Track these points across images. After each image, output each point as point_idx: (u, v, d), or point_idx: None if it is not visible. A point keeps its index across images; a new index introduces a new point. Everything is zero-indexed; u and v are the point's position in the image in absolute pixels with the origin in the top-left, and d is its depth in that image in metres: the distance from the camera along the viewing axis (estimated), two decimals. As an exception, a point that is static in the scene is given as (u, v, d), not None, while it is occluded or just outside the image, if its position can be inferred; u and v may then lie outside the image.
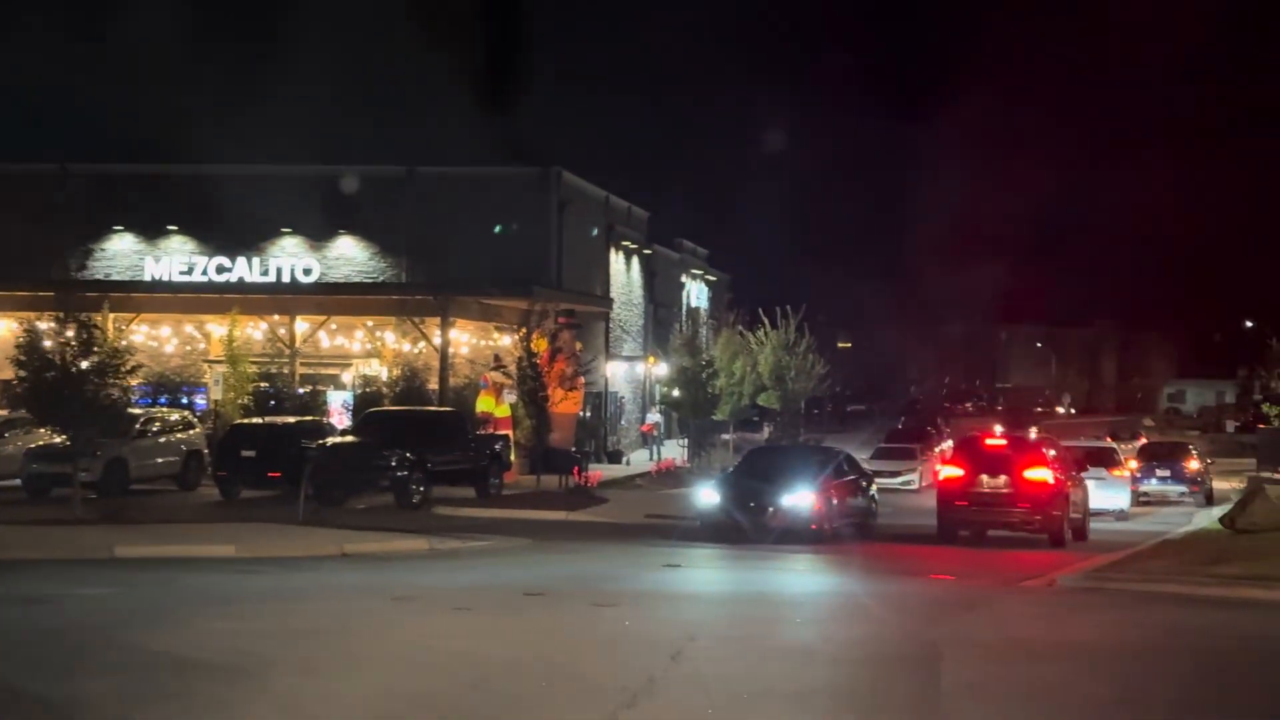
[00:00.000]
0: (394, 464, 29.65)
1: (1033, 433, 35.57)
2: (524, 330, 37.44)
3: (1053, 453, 26.86)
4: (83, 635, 12.91)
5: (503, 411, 37.05)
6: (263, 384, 37.64)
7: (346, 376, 42.14)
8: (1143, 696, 10.99)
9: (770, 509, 25.18)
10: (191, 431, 33.99)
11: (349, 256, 45.68)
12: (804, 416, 60.16)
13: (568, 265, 45.60)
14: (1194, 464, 39.38)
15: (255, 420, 33.71)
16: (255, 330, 39.98)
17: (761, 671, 11.74)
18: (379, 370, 40.71)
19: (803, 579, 19.86)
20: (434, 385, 38.24)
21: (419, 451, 30.17)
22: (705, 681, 11.16)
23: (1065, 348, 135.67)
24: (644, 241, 56.56)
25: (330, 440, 31.22)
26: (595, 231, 49.89)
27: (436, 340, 38.19)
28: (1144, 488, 38.18)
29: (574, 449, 38.71)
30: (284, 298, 40.77)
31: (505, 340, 39.99)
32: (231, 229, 44.34)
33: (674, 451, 50.19)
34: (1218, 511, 31.95)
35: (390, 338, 41.35)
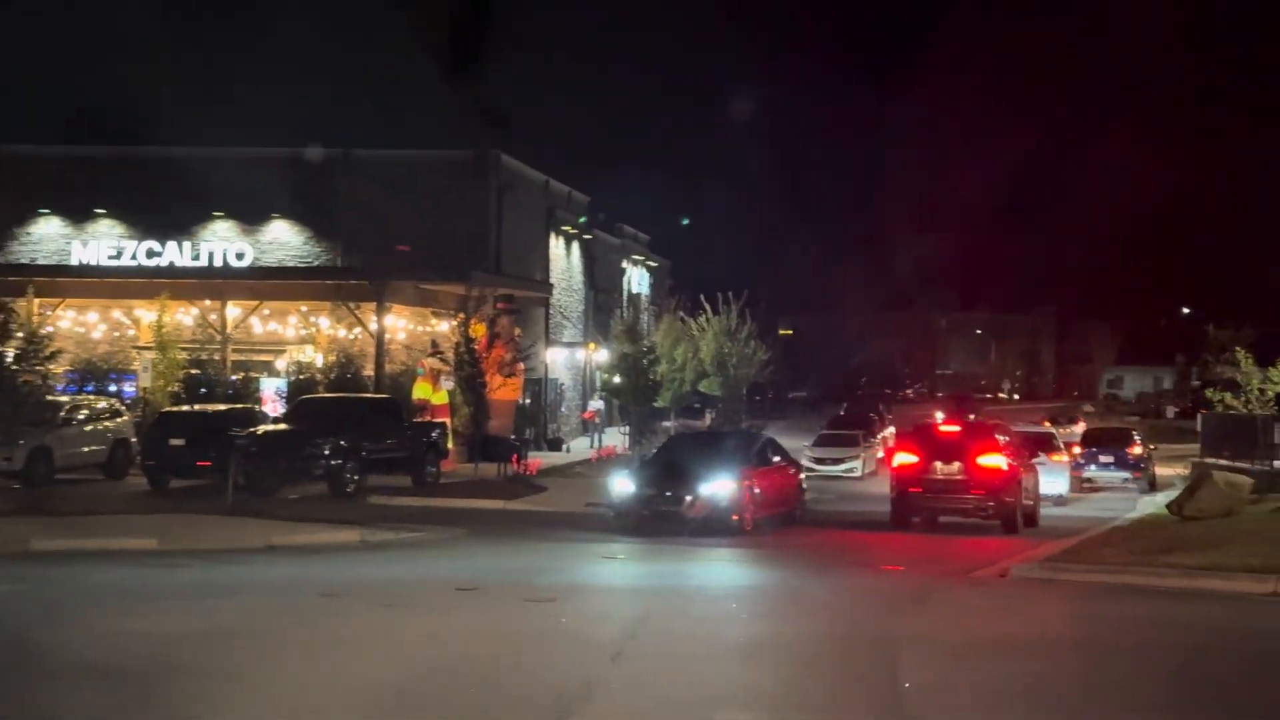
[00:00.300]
0: (327, 452, 28.89)
1: (973, 419, 35.33)
2: (462, 316, 36.64)
3: (1005, 439, 26.70)
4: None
5: (440, 398, 36.31)
6: (193, 371, 36.68)
7: (280, 364, 41.18)
8: (1120, 694, 10.43)
9: (688, 499, 23.94)
10: (119, 419, 33.06)
11: (283, 241, 44.60)
12: (746, 403, 59.66)
13: (507, 250, 44.79)
14: (1137, 449, 39.25)
15: (185, 408, 32.83)
16: (186, 316, 38.98)
17: (708, 673, 11.09)
18: (314, 357, 39.80)
19: (745, 571, 19.27)
20: (370, 372, 37.41)
21: (353, 439, 29.44)
22: (648, 686, 10.48)
23: (1004, 335, 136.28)
24: (584, 227, 55.84)
25: (262, 428, 30.37)
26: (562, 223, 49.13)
27: (373, 326, 37.34)
28: (1087, 473, 38.06)
29: (513, 436, 37.99)
30: (216, 282, 39.72)
31: (443, 326, 39.21)
32: (162, 213, 43.22)
33: (615, 439, 49.60)
34: (1162, 498, 31.79)
35: (325, 323, 40.40)
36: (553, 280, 50.53)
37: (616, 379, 46.81)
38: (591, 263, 57.41)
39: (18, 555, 18.86)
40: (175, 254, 43.65)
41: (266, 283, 39.77)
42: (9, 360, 26.42)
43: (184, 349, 37.45)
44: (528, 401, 44.75)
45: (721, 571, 19.18)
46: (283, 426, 30.68)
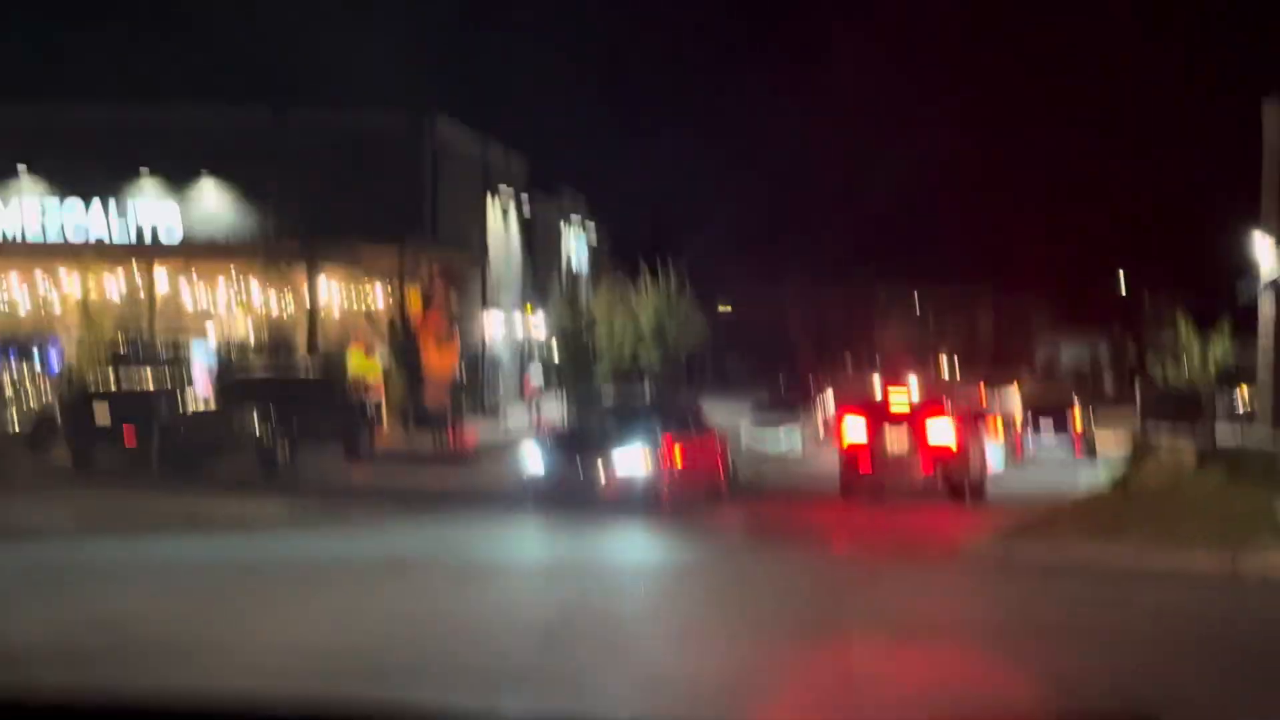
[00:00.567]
0: (257, 424, 28.06)
1: (915, 389, 35.01)
2: (396, 283, 35.88)
3: (954, 409, 26.44)
4: None
5: (374, 369, 35.54)
6: (120, 344, 35.60)
7: (211, 338, 40.16)
8: (1080, 680, 9.89)
9: (604, 470, 22.46)
10: (42, 392, 32.00)
11: (212, 202, 43.41)
12: (686, 375, 59.09)
13: (443, 215, 43.90)
14: (1077, 419, 39.18)
15: (110, 381, 31.81)
16: (113, 280, 37.87)
17: (649, 658, 10.51)
18: (245, 329, 38.86)
19: (683, 549, 18.62)
20: (303, 344, 36.57)
21: (285, 411, 28.57)
22: (583, 672, 9.88)
23: (940, 306, 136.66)
24: (523, 190, 54.91)
25: (190, 402, 29.47)
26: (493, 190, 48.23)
27: (304, 291, 36.48)
28: (1026, 442, 37.90)
29: (449, 408, 37.22)
30: (143, 246, 38.65)
31: (377, 291, 38.38)
32: (87, 174, 41.86)
33: (555, 410, 48.89)
34: (1104, 468, 31.57)
35: (257, 292, 39.40)
36: (490, 246, 49.71)
37: (555, 349, 46.12)
38: (530, 228, 56.55)
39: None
40: (100, 216, 42.42)
41: (195, 245, 38.74)
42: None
43: (111, 320, 36.40)
44: (464, 372, 44.00)
45: (663, 550, 18.59)
46: (212, 400, 29.88)
